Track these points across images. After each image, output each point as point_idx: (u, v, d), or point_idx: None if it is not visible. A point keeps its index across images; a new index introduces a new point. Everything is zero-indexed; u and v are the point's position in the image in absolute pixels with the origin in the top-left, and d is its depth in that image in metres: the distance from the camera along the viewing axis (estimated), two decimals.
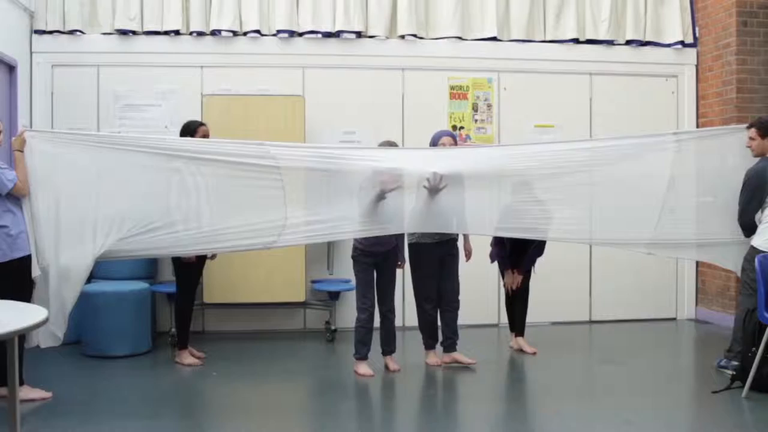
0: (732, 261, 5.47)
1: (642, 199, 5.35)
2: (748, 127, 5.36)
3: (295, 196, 4.99)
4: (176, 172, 4.87)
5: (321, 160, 5.17)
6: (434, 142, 5.63)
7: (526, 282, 6.16)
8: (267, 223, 4.96)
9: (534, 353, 6.07)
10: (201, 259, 5.91)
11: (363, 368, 5.43)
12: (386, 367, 5.58)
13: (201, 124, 5.79)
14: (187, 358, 5.79)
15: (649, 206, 5.33)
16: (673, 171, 5.35)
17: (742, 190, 5.26)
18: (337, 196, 5.12)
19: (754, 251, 5.06)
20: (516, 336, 6.26)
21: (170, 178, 4.88)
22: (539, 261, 6.10)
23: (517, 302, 6.22)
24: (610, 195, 5.29)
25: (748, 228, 5.23)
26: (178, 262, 5.70)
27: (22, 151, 4.66)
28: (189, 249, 5.16)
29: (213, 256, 6.06)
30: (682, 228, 5.40)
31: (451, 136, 5.68)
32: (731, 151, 5.42)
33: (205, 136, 5.66)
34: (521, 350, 6.17)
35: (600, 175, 5.27)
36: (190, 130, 5.69)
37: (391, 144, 5.55)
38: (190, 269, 5.75)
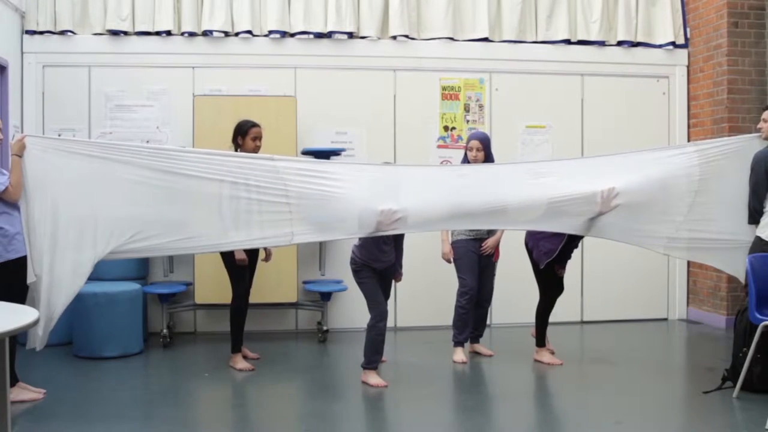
0: (739, 268, 5.37)
1: (660, 205, 5.35)
2: (764, 109, 5.37)
3: (302, 215, 4.85)
4: (183, 185, 4.75)
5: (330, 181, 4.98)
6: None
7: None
8: (274, 233, 4.90)
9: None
10: (253, 258, 5.74)
11: (375, 378, 5.18)
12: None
13: (254, 125, 5.56)
14: (240, 362, 5.62)
15: (667, 212, 5.34)
16: (690, 180, 5.31)
17: (750, 176, 5.17)
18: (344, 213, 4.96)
19: (760, 242, 5.00)
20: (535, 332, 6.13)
21: (173, 190, 4.74)
22: (528, 261, 6.03)
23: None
24: (631, 199, 5.25)
25: (756, 214, 5.13)
26: (230, 260, 5.52)
27: (20, 156, 4.57)
28: (192, 251, 5.33)
29: (266, 258, 5.97)
30: (697, 232, 5.38)
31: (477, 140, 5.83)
32: (748, 159, 5.30)
33: (258, 137, 5.52)
34: (533, 335, 6.05)
35: (622, 182, 5.22)
36: (242, 131, 5.54)
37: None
38: (242, 270, 5.58)
